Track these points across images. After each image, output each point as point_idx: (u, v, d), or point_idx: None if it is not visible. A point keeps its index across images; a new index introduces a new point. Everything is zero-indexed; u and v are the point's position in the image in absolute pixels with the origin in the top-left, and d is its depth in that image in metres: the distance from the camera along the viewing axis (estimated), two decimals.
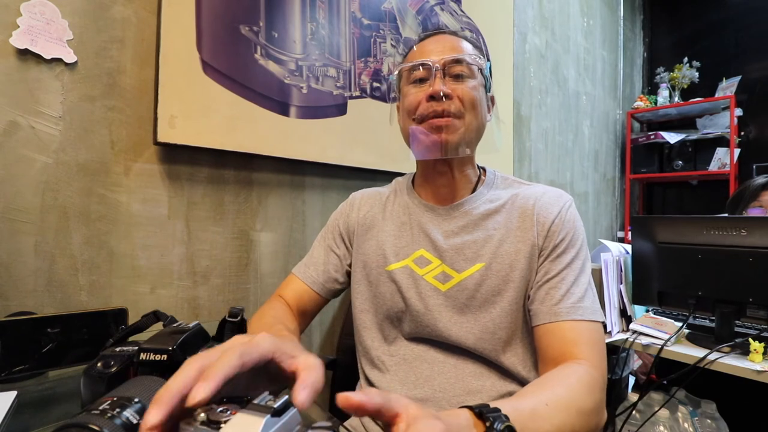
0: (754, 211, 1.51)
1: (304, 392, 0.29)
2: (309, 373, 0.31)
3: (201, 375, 0.29)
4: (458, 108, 0.67)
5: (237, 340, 0.32)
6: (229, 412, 0.30)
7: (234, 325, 0.51)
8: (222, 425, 0.28)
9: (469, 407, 0.40)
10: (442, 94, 0.66)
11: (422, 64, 0.69)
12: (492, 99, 0.77)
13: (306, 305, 0.77)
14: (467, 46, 0.72)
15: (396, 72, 0.75)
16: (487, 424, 0.38)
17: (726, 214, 1.59)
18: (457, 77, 0.69)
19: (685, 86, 2.81)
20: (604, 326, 0.73)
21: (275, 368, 0.32)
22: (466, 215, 0.71)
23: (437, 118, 0.67)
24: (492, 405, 0.41)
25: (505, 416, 0.40)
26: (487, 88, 0.73)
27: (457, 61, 0.68)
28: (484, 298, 0.66)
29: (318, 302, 0.79)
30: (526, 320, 0.67)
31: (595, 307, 0.63)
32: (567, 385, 0.52)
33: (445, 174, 0.73)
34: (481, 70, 0.71)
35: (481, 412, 0.39)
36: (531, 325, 0.65)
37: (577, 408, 0.50)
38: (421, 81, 0.70)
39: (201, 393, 0.27)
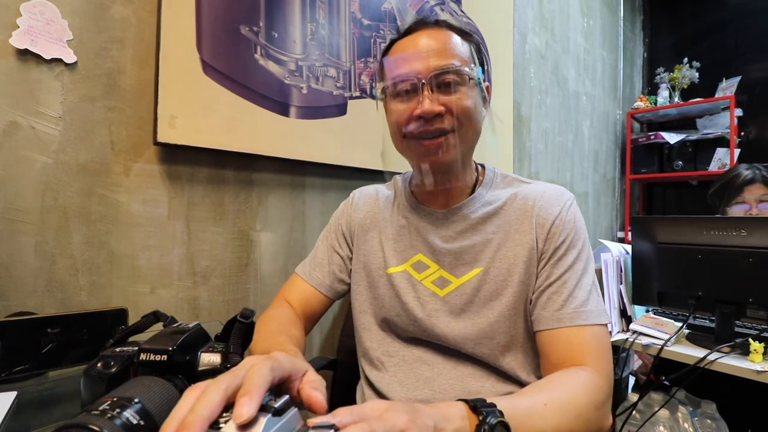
0: (738, 208, 1.50)
1: (316, 392, 0.32)
2: (315, 383, 0.33)
3: (226, 399, 0.29)
4: (451, 124, 0.63)
5: (254, 359, 0.33)
6: (229, 412, 0.30)
7: (244, 326, 0.51)
8: (222, 425, 0.28)
9: (465, 400, 0.41)
10: (432, 114, 0.61)
11: (406, 80, 0.63)
12: (488, 89, 0.71)
13: (313, 308, 0.76)
14: (454, 42, 0.65)
15: (378, 90, 0.69)
16: (480, 417, 0.39)
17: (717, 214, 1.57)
18: (448, 86, 0.62)
19: (685, 86, 2.81)
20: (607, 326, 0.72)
21: (286, 386, 0.34)
22: (464, 219, 0.70)
23: (430, 140, 0.63)
24: (489, 400, 0.41)
25: (500, 412, 0.40)
26: (480, 82, 0.67)
27: (446, 72, 0.62)
28: (482, 302, 0.65)
29: (325, 304, 0.78)
30: (526, 325, 0.66)
31: (600, 309, 0.62)
32: (568, 389, 0.52)
33: (440, 181, 0.69)
34: (471, 78, 0.64)
35: (476, 406, 0.40)
36: (533, 330, 0.64)
37: (576, 412, 0.50)
38: (408, 92, 0.64)
39: (248, 409, 0.27)
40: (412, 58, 0.63)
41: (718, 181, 1.58)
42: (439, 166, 0.66)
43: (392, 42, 0.70)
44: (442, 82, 0.62)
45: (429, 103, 0.61)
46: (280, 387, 0.33)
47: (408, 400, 0.65)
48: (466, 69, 0.63)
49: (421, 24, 0.67)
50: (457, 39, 0.66)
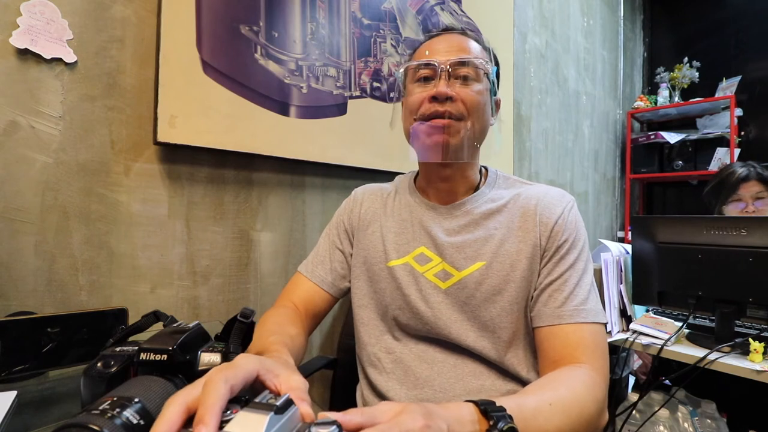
0: (734, 206, 1.49)
1: (303, 404, 0.31)
2: (299, 391, 0.33)
3: (186, 412, 0.29)
4: (460, 111, 0.66)
5: (212, 372, 0.32)
6: (230, 412, 0.30)
7: (244, 326, 0.51)
8: (225, 425, 0.28)
9: (475, 403, 0.41)
10: (445, 95, 0.65)
11: (428, 64, 0.68)
12: (497, 102, 0.76)
13: (318, 306, 0.76)
14: (475, 48, 0.71)
15: (402, 69, 0.74)
16: (491, 422, 0.39)
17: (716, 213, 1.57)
18: (463, 79, 0.68)
19: (685, 86, 2.80)
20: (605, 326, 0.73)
21: (260, 386, 0.34)
22: (467, 214, 0.71)
23: (439, 118, 0.66)
24: (498, 403, 0.42)
25: (509, 416, 0.40)
26: (492, 91, 0.72)
27: (464, 63, 0.67)
28: (484, 297, 0.66)
29: (328, 301, 0.78)
30: (526, 321, 0.66)
31: (598, 308, 0.63)
32: (570, 387, 0.53)
33: (446, 174, 0.72)
34: (487, 74, 0.70)
35: (486, 410, 0.40)
36: (533, 326, 0.65)
37: (579, 410, 0.50)
38: (426, 80, 0.69)
39: None
40: (437, 51, 0.69)
41: (712, 180, 1.58)
42: (444, 149, 0.67)
43: (420, 44, 0.76)
44: (459, 74, 0.67)
45: (444, 85, 0.66)
46: (254, 387, 0.33)
47: (408, 399, 0.66)
48: (484, 65, 0.69)
49: (450, 30, 0.75)
50: (477, 46, 0.72)
